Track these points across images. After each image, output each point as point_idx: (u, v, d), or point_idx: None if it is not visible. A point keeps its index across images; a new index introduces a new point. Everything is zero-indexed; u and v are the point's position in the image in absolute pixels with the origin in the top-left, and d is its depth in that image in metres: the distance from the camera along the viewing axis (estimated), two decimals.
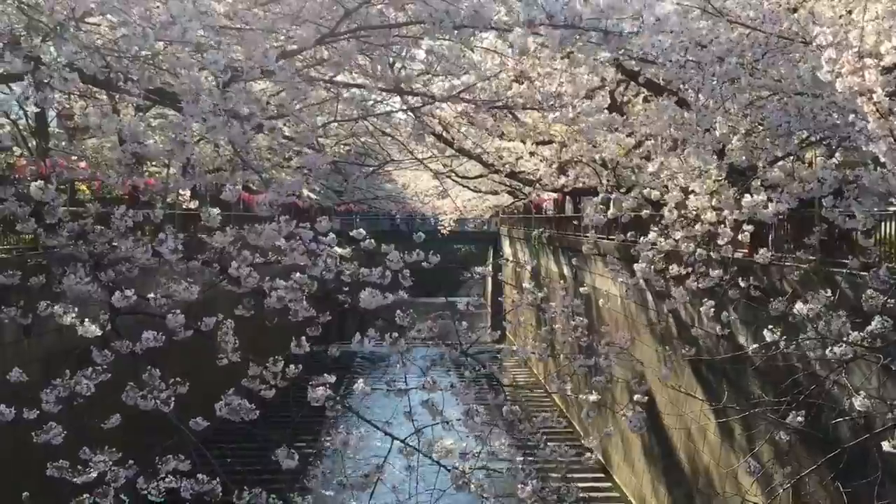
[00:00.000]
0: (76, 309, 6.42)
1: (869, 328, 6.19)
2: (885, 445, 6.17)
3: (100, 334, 6.40)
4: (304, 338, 7.20)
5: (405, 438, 7.13)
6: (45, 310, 6.23)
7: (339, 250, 7.05)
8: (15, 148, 16.10)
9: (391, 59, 7.55)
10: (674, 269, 10.46)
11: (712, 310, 10.17)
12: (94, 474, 5.99)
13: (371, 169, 21.19)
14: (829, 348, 6.47)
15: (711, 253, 9.98)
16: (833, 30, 5.93)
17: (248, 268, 6.56)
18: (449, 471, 6.92)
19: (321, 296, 7.24)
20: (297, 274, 6.89)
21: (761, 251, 9.67)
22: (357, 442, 7.21)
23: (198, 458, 6.43)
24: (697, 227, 9.51)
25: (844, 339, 6.37)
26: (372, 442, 7.93)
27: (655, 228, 10.26)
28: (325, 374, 6.90)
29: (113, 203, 16.83)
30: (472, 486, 6.86)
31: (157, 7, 5.54)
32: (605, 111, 9.05)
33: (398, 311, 7.24)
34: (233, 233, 6.88)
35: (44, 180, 6.45)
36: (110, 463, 6.07)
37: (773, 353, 7.84)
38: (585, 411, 15.86)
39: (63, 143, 17.68)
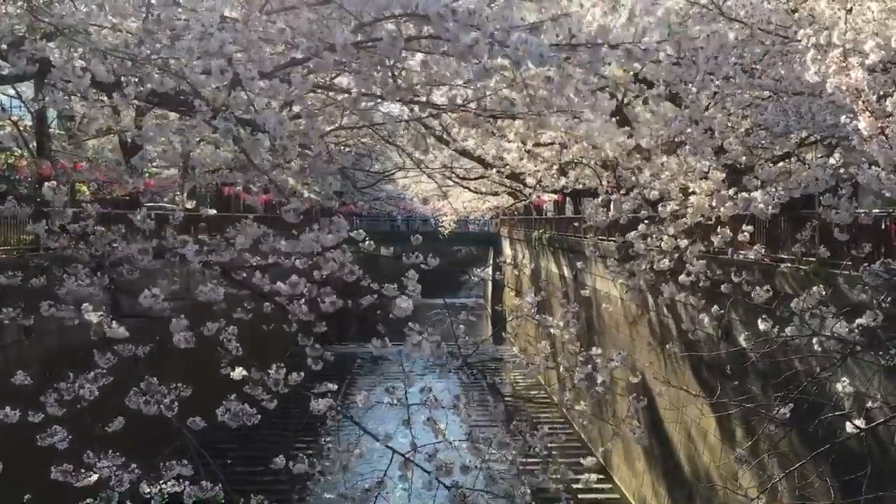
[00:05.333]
0: (79, 312, 6.41)
1: (859, 320, 6.18)
2: (849, 427, 6.20)
3: (105, 336, 6.39)
4: (310, 339, 7.16)
5: (406, 453, 7.11)
6: (48, 310, 6.24)
7: (340, 255, 7.04)
8: (16, 149, 16.13)
9: (388, 66, 7.53)
10: (664, 263, 10.49)
11: (703, 304, 10.18)
12: (95, 477, 5.99)
13: (375, 180, 21.25)
14: (820, 339, 6.46)
15: (703, 249, 10.02)
16: (816, 30, 5.95)
17: (261, 273, 6.58)
18: (448, 488, 6.91)
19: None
20: (297, 277, 6.87)
21: (754, 248, 9.69)
22: (358, 458, 7.30)
23: (200, 462, 6.42)
24: (688, 217, 9.52)
25: (837, 335, 6.37)
26: (372, 445, 7.95)
27: (646, 222, 10.30)
28: (327, 383, 6.89)
29: (113, 204, 16.91)
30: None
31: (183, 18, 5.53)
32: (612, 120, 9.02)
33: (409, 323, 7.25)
34: (252, 236, 6.84)
35: (45, 181, 6.46)
36: (114, 468, 6.06)
37: (771, 350, 7.84)
38: (583, 422, 15.95)
39: (64, 145, 17.72)
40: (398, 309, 6.67)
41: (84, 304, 6.10)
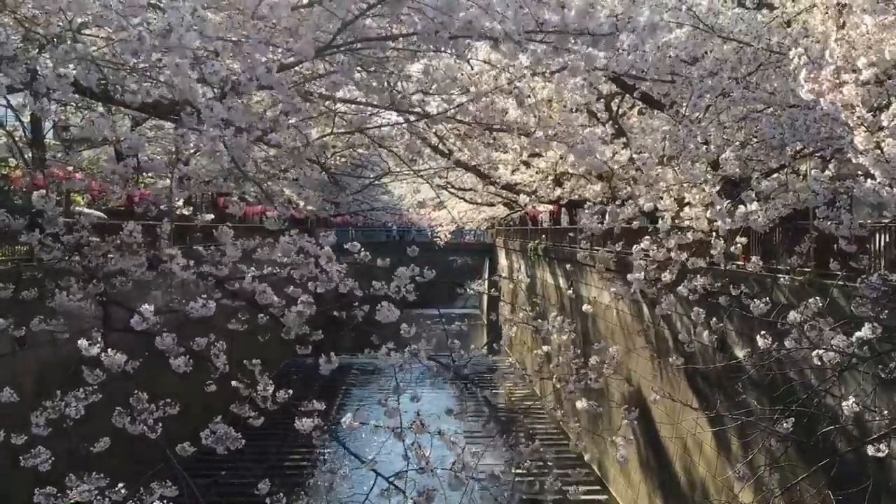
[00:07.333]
0: (70, 325, 6.35)
1: (858, 334, 6.17)
2: (870, 450, 6.19)
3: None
4: (308, 346, 7.11)
5: (390, 477, 7.04)
6: (38, 325, 6.18)
7: (336, 266, 7.01)
8: (10, 159, 16.07)
9: (387, 74, 7.55)
10: (665, 276, 10.47)
11: (703, 316, 10.17)
12: (75, 496, 5.89)
13: (367, 181, 21.20)
14: (818, 353, 6.44)
15: (702, 262, 10.01)
16: (808, 45, 5.96)
17: (262, 285, 6.52)
18: None
19: (323, 309, 7.17)
20: (299, 291, 6.82)
21: (752, 259, 9.69)
22: (343, 480, 7.24)
23: (185, 484, 6.32)
24: (689, 234, 9.53)
25: (835, 347, 6.35)
26: (358, 463, 7.88)
27: (648, 237, 10.30)
28: (315, 400, 6.83)
29: (109, 214, 16.84)
30: None
31: (155, 18, 5.53)
32: (604, 136, 9.02)
33: (403, 325, 7.22)
34: (240, 245, 6.80)
35: (40, 191, 6.41)
36: (95, 492, 5.95)
37: (768, 363, 7.82)
38: (576, 439, 15.95)
39: (59, 154, 17.68)
40: (380, 316, 6.65)
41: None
